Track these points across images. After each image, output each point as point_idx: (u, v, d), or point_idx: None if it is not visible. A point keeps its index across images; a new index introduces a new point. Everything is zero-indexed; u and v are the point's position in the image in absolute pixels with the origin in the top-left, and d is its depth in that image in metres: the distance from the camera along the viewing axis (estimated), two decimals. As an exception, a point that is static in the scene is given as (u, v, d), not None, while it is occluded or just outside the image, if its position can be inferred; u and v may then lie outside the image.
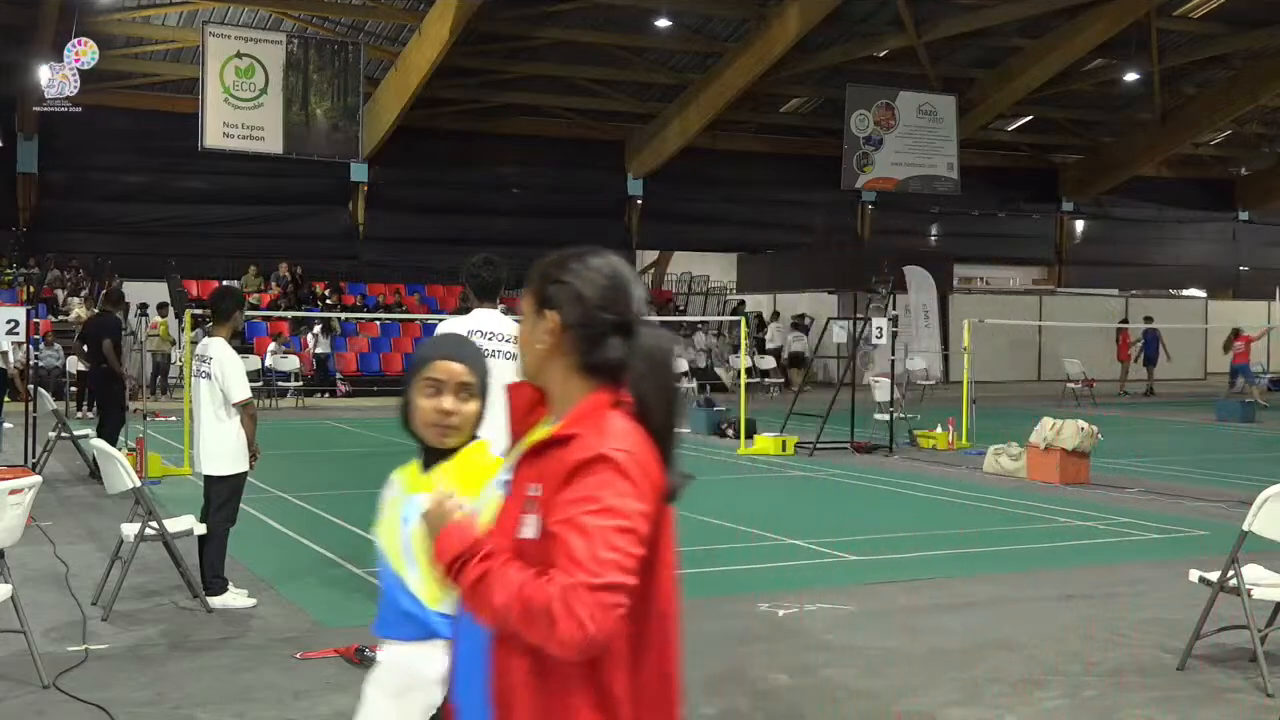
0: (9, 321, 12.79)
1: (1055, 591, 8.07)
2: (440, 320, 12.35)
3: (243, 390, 7.49)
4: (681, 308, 32.74)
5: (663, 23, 28.28)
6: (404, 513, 2.69)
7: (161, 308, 24.40)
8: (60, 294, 26.16)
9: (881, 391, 17.68)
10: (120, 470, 7.44)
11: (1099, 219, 39.93)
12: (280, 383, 23.56)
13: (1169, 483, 13.33)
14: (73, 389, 20.76)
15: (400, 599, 2.72)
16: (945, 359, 28.76)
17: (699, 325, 29.90)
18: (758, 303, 33.24)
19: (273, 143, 27.38)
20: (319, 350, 25.73)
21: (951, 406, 18.23)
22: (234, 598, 7.48)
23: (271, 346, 24.16)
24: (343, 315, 26.60)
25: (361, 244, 30.96)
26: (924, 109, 32.63)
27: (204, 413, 7.54)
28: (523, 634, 1.98)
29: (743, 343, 18.74)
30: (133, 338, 22.19)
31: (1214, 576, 6.21)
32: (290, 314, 25.26)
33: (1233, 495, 11.83)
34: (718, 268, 35.63)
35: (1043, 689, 5.99)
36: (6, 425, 15.35)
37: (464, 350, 2.79)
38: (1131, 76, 32.35)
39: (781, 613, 7.40)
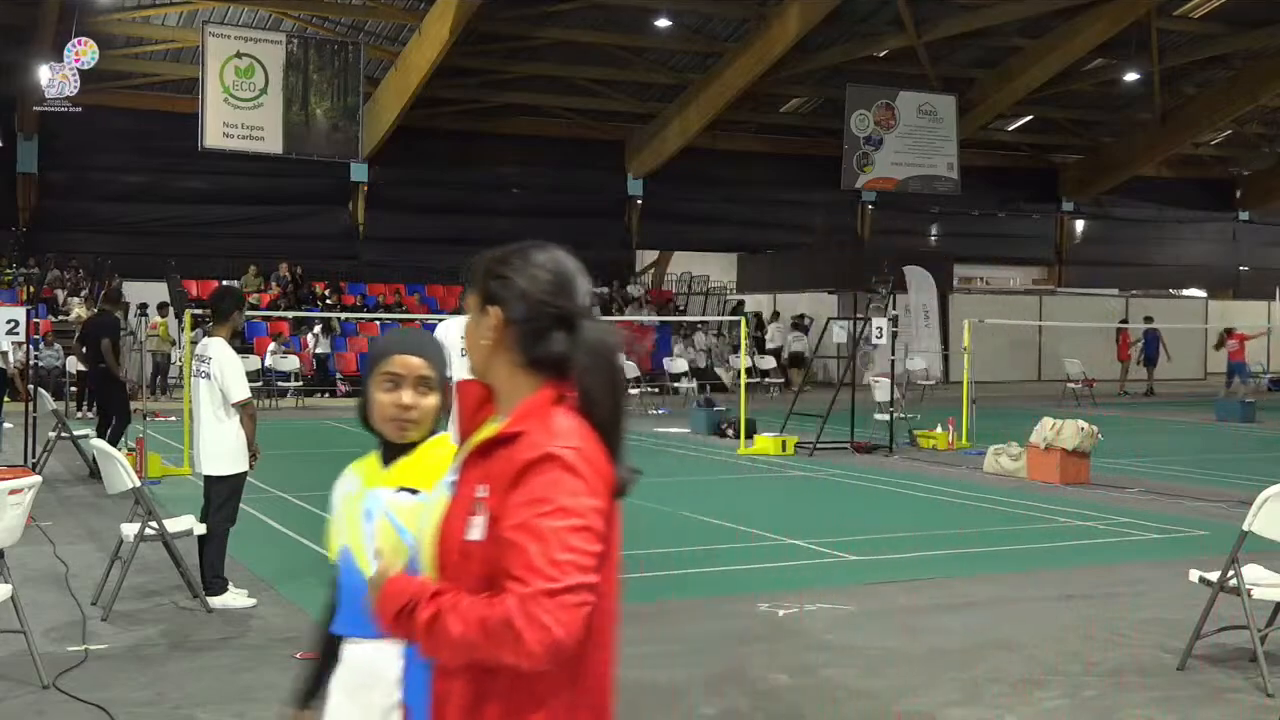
0: (9, 321, 12.79)
1: (1055, 591, 8.07)
2: (440, 320, 12.34)
3: (242, 390, 7.49)
4: (681, 308, 32.75)
5: (663, 23, 28.29)
6: (366, 507, 2.66)
7: (161, 308, 24.40)
8: (60, 294, 26.16)
9: (881, 391, 17.68)
10: (120, 470, 7.44)
11: (1099, 219, 39.94)
12: (280, 383, 23.56)
13: (1169, 483, 13.33)
14: (73, 389, 20.76)
15: (362, 596, 2.68)
16: (945, 359, 28.77)
17: (699, 325, 29.91)
18: (758, 302, 33.24)
19: (273, 143, 27.39)
20: (319, 350, 25.73)
21: (951, 406, 18.23)
22: (234, 598, 7.48)
23: (271, 346, 24.17)
24: (343, 315, 26.60)
25: (361, 244, 30.97)
26: (924, 109, 32.63)
27: (204, 413, 7.54)
28: (490, 658, 1.94)
29: (743, 343, 18.74)
30: (132, 338, 22.22)
31: (1214, 576, 6.21)
32: (290, 314, 25.26)
33: (1233, 495, 11.83)
34: (718, 268, 35.62)
35: (1043, 689, 5.99)
36: (6, 425, 15.36)
37: (423, 344, 2.75)
38: (1131, 76, 32.35)
39: (781, 613, 7.40)
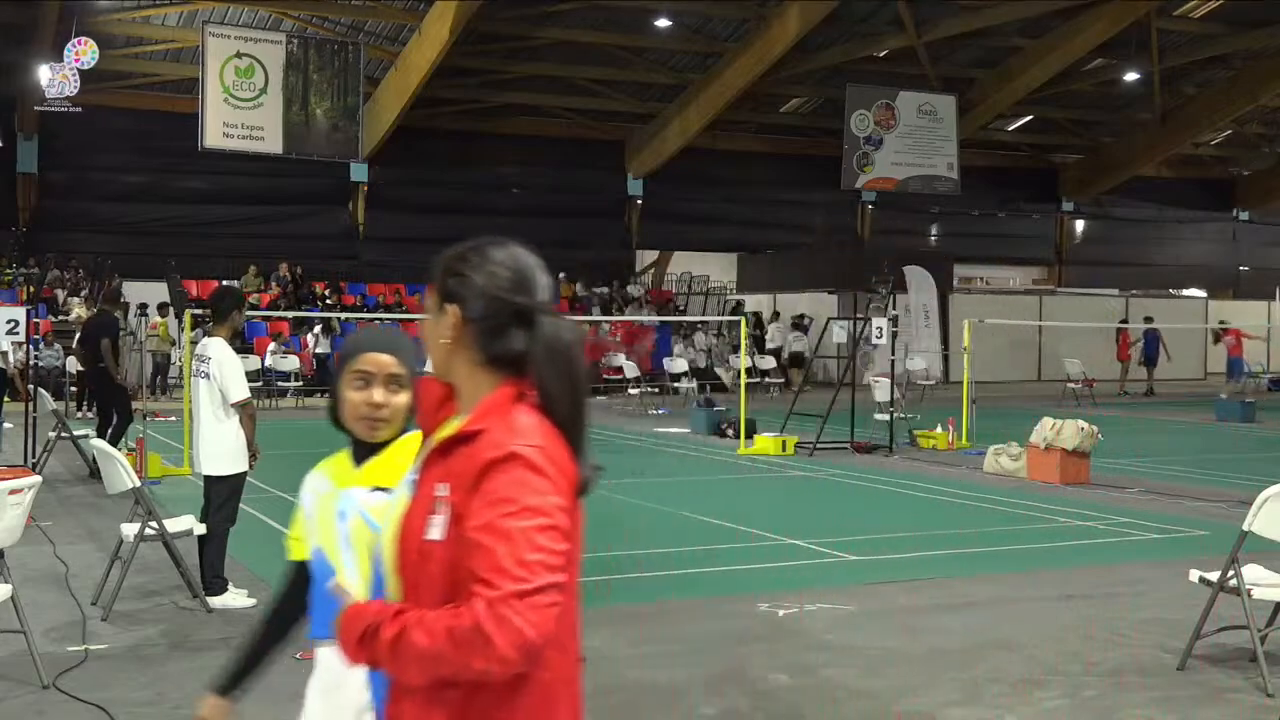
0: (9, 321, 12.79)
1: (1055, 591, 8.07)
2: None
3: (241, 390, 7.49)
4: (681, 308, 32.75)
5: (663, 23, 28.30)
6: (339, 507, 2.63)
7: (162, 308, 24.40)
8: (60, 294, 26.16)
9: (881, 391, 17.68)
10: (120, 470, 7.44)
11: (1099, 219, 39.94)
12: (280, 383, 23.56)
13: (1169, 483, 13.33)
14: (73, 389, 20.76)
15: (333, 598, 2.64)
16: (945, 359, 28.77)
17: (699, 325, 29.91)
18: (758, 302, 33.24)
19: (273, 143, 27.39)
20: (319, 350, 25.72)
21: (951, 406, 18.23)
22: (234, 598, 7.48)
23: (271, 346, 24.17)
24: (343, 315, 26.57)
25: (361, 244, 30.96)
26: (924, 109, 32.64)
27: (203, 413, 7.54)
28: (460, 668, 1.90)
29: (743, 343, 18.74)
30: (132, 338, 22.21)
31: (1214, 576, 6.21)
32: (290, 314, 25.26)
33: (1233, 495, 11.83)
34: (718, 268, 35.63)
35: (1043, 689, 5.99)
36: (6, 425, 15.36)
37: (393, 341, 2.72)
38: (1131, 76, 32.36)
39: (781, 613, 7.40)
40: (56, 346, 21.97)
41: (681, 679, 6.11)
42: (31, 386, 13.73)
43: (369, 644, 1.98)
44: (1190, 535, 10.18)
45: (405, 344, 2.73)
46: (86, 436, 12.77)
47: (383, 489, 2.59)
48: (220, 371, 7.43)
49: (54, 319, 24.16)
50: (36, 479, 6.25)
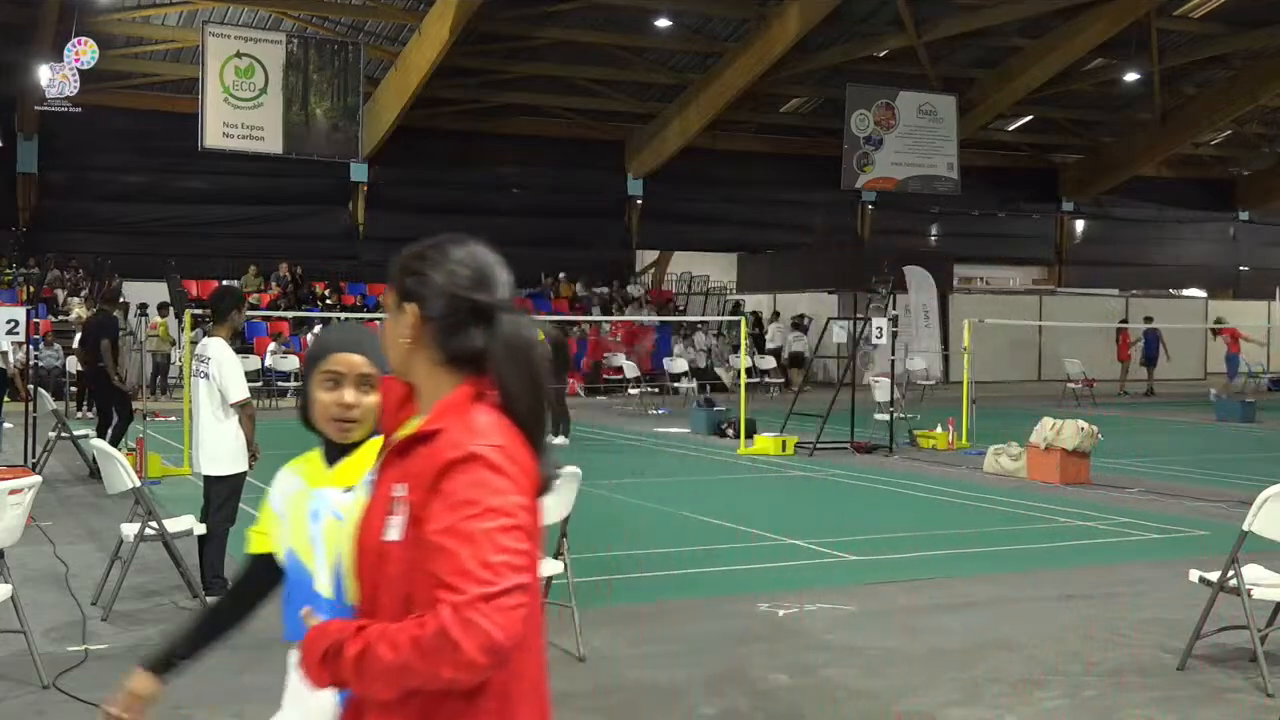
0: (9, 321, 12.79)
1: (1055, 591, 8.07)
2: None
3: (240, 390, 7.49)
4: (681, 308, 32.75)
5: (663, 23, 28.29)
6: (312, 508, 2.59)
7: (162, 308, 24.40)
8: (60, 294, 26.16)
9: (881, 391, 17.68)
10: (120, 470, 7.44)
11: (1099, 219, 39.94)
12: (280, 383, 23.55)
13: (1169, 483, 13.33)
14: (73, 389, 20.76)
15: (309, 597, 2.55)
16: (945, 359, 28.77)
17: (699, 325, 29.91)
18: (758, 302, 33.24)
19: (273, 143, 27.39)
20: (319, 350, 25.70)
21: (951, 406, 18.22)
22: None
23: (271, 346, 24.16)
24: (343, 315, 26.54)
25: (361, 244, 30.95)
26: (924, 109, 32.64)
27: (203, 413, 7.54)
28: (428, 678, 1.86)
29: (743, 343, 18.73)
30: (132, 338, 22.22)
31: (1214, 576, 6.20)
32: (290, 314, 25.25)
33: (1233, 495, 11.83)
34: (718, 268, 35.63)
35: (1043, 689, 5.99)
36: (6, 425, 15.36)
37: (363, 340, 2.67)
38: (1131, 76, 32.36)
39: (781, 613, 7.40)
40: (56, 346, 21.97)
41: (681, 679, 6.11)
42: (31, 386, 13.73)
43: (332, 664, 1.95)
44: (1190, 535, 10.18)
45: (375, 343, 2.67)
46: (86, 436, 12.77)
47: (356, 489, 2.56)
48: (220, 371, 7.43)
49: (54, 319, 24.17)
50: (36, 479, 6.25)
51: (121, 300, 22.79)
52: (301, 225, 30.27)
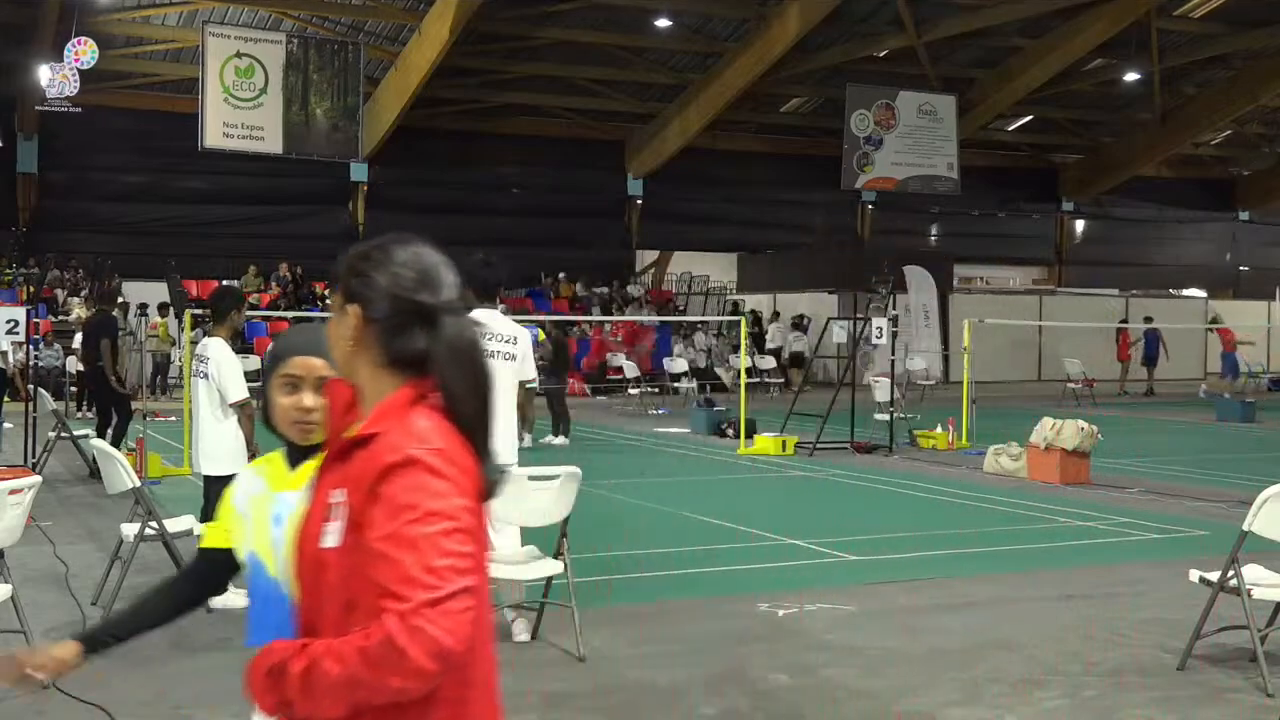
0: (9, 321, 12.78)
1: (1055, 591, 8.06)
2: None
3: (239, 390, 7.48)
4: (681, 308, 32.75)
5: (663, 23, 28.30)
6: (275, 511, 2.57)
7: (162, 308, 24.41)
8: (60, 294, 26.17)
9: (881, 391, 17.68)
10: (120, 470, 7.44)
11: (1099, 219, 39.94)
12: (280, 383, 23.53)
13: (1169, 483, 13.33)
14: (73, 389, 20.76)
15: (272, 602, 2.52)
16: (945, 359, 28.77)
17: (699, 325, 29.90)
18: (758, 302, 33.25)
19: (273, 143, 27.39)
20: (319, 350, 25.71)
21: (951, 406, 18.22)
22: (234, 598, 7.42)
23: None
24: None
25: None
26: (924, 109, 32.64)
27: (202, 413, 7.54)
28: (377, 691, 1.82)
29: (743, 343, 18.73)
30: (132, 338, 22.21)
31: (1214, 576, 6.20)
32: (290, 314, 25.23)
33: (1233, 495, 11.82)
34: (718, 268, 35.63)
35: (1043, 689, 5.99)
36: (6, 425, 15.36)
37: (322, 343, 2.56)
38: (1131, 76, 32.36)
39: (781, 613, 7.40)
40: (56, 346, 21.97)
41: (681, 679, 6.11)
42: (31, 386, 13.72)
43: (277, 684, 1.91)
44: (1190, 535, 10.18)
45: None
46: (86, 436, 12.76)
47: None
48: (219, 372, 7.43)
49: (54, 319, 24.17)
50: (36, 479, 6.25)
51: (121, 300, 22.77)
52: (301, 225, 30.26)
